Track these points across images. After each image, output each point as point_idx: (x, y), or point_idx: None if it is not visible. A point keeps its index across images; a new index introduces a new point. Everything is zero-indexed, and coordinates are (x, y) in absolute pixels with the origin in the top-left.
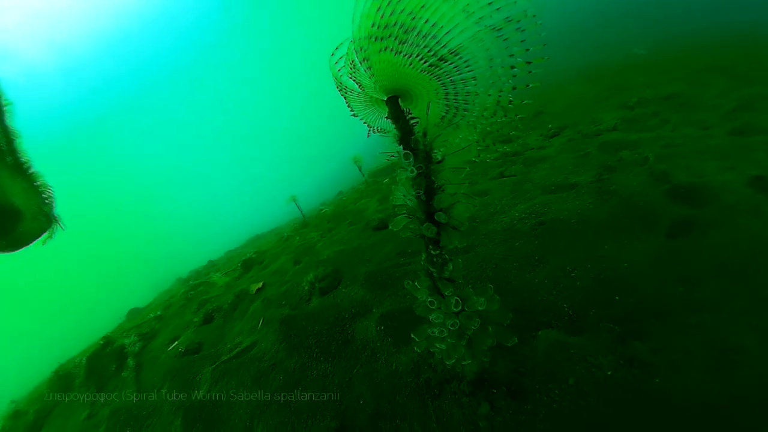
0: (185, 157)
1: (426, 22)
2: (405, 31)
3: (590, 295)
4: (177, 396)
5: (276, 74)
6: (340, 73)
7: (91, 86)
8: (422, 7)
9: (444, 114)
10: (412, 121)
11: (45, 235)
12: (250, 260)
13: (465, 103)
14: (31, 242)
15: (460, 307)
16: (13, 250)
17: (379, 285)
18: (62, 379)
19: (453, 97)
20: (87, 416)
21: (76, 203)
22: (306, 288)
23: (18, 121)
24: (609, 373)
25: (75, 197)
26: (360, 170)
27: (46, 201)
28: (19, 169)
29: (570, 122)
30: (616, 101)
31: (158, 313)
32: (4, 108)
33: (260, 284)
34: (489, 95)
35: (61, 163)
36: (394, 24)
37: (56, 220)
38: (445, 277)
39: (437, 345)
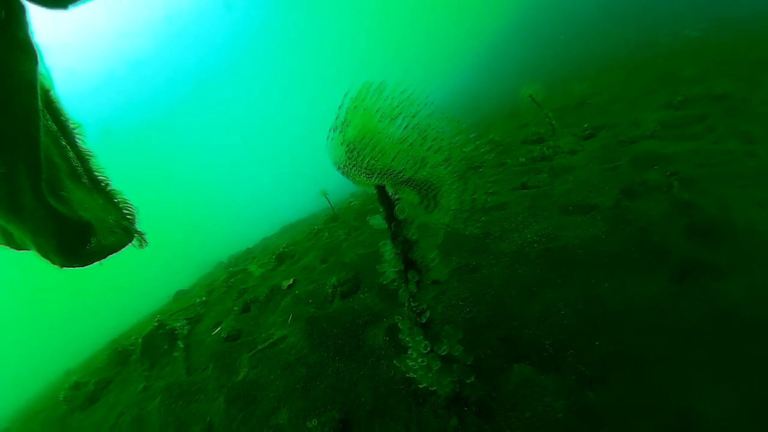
0: (227, 153)
1: (382, 167)
2: (369, 172)
3: (574, 335)
4: (220, 377)
5: (311, 72)
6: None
7: (146, 89)
8: (376, 160)
9: (420, 201)
10: (396, 203)
11: (126, 247)
12: (283, 254)
13: (434, 200)
14: (108, 255)
15: (428, 349)
16: (90, 262)
17: (390, 295)
18: (120, 355)
19: (423, 195)
20: (143, 388)
21: (130, 195)
22: (329, 290)
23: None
24: (560, 416)
25: (130, 189)
26: None
27: (127, 216)
28: (97, 187)
29: (609, 121)
30: (662, 97)
31: (203, 298)
32: (75, 131)
33: (291, 280)
34: (452, 196)
35: (120, 159)
36: (361, 165)
37: (137, 234)
38: (421, 323)
39: (411, 373)
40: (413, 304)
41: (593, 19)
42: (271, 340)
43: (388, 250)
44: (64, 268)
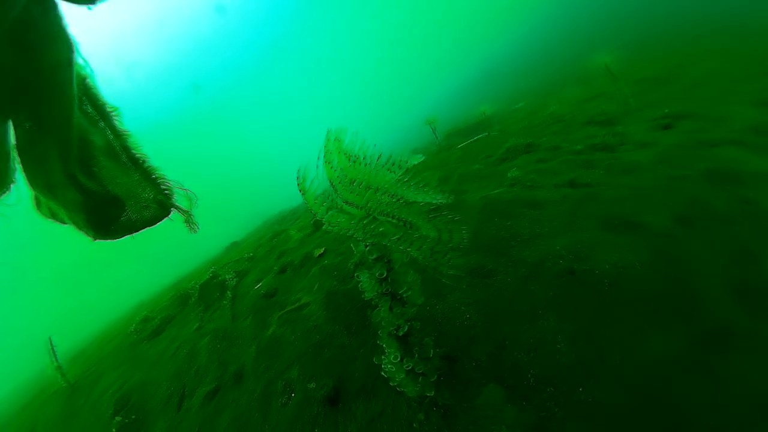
0: (276, 126)
1: (340, 230)
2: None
3: (562, 373)
4: (255, 328)
5: (358, 43)
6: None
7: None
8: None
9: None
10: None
11: (163, 221)
12: (320, 221)
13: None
14: (141, 228)
15: (398, 360)
16: (120, 236)
17: None
18: (182, 297)
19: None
20: (197, 328)
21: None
22: (352, 267)
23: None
24: None
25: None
26: (434, 132)
27: (165, 192)
28: (135, 164)
29: (693, 109)
30: (761, 88)
31: (250, 254)
32: (112, 113)
33: (322, 250)
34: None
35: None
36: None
37: (175, 208)
38: (398, 335)
39: (383, 373)
40: (392, 320)
41: None
42: (298, 304)
43: (364, 278)
44: (97, 240)
